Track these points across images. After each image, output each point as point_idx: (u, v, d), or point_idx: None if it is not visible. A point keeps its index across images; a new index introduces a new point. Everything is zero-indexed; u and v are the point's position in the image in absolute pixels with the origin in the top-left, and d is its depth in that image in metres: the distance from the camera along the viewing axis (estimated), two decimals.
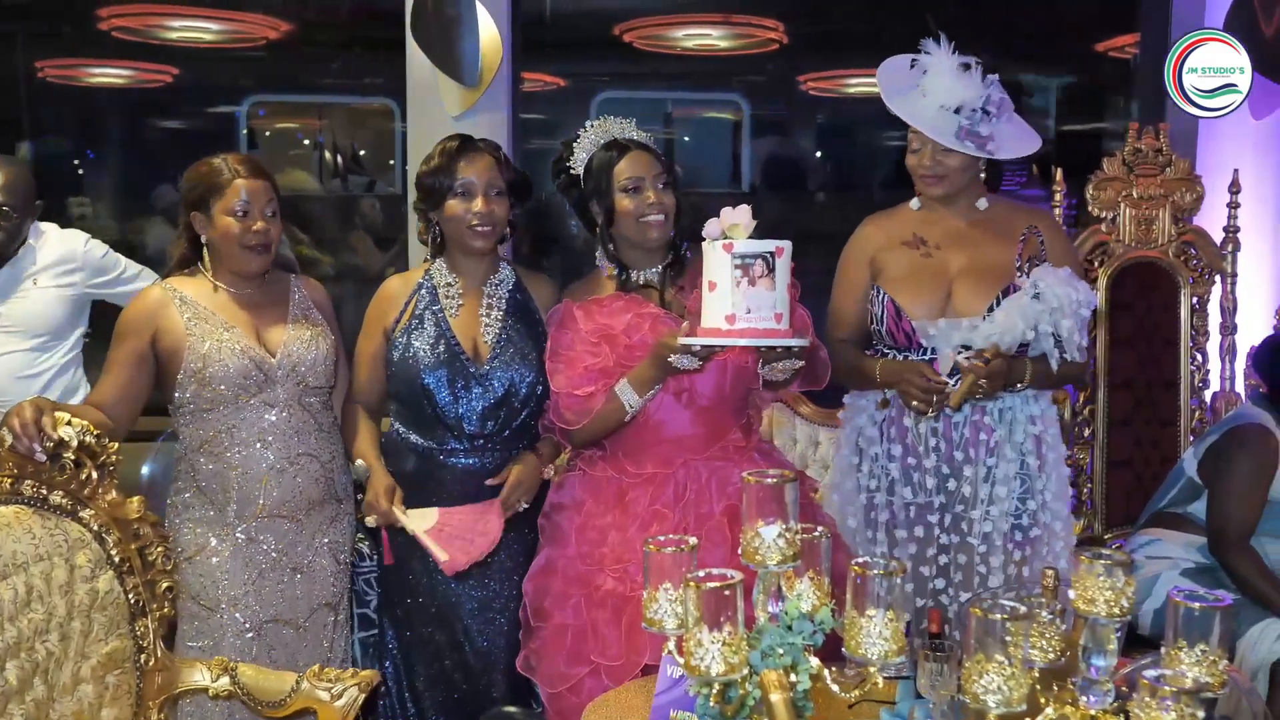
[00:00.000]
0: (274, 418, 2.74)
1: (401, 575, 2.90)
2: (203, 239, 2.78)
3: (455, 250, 2.91)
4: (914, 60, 2.82)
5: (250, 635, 2.72)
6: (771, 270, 2.36)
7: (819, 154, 6.23)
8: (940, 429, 2.80)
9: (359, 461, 2.85)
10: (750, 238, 2.38)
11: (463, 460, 2.86)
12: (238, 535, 2.73)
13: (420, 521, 2.79)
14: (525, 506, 2.86)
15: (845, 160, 6.22)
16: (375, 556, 2.97)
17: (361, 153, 6.33)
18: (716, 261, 2.36)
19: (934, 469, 2.81)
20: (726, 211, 2.42)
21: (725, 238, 2.38)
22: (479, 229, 2.83)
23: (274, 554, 2.76)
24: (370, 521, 2.82)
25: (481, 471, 2.86)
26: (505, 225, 2.90)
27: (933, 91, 2.74)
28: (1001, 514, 2.78)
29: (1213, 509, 3.23)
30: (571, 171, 2.86)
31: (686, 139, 6.35)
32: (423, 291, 2.91)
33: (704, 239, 2.44)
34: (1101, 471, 3.89)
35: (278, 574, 2.77)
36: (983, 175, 2.84)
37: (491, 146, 2.91)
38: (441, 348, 2.83)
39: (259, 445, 2.73)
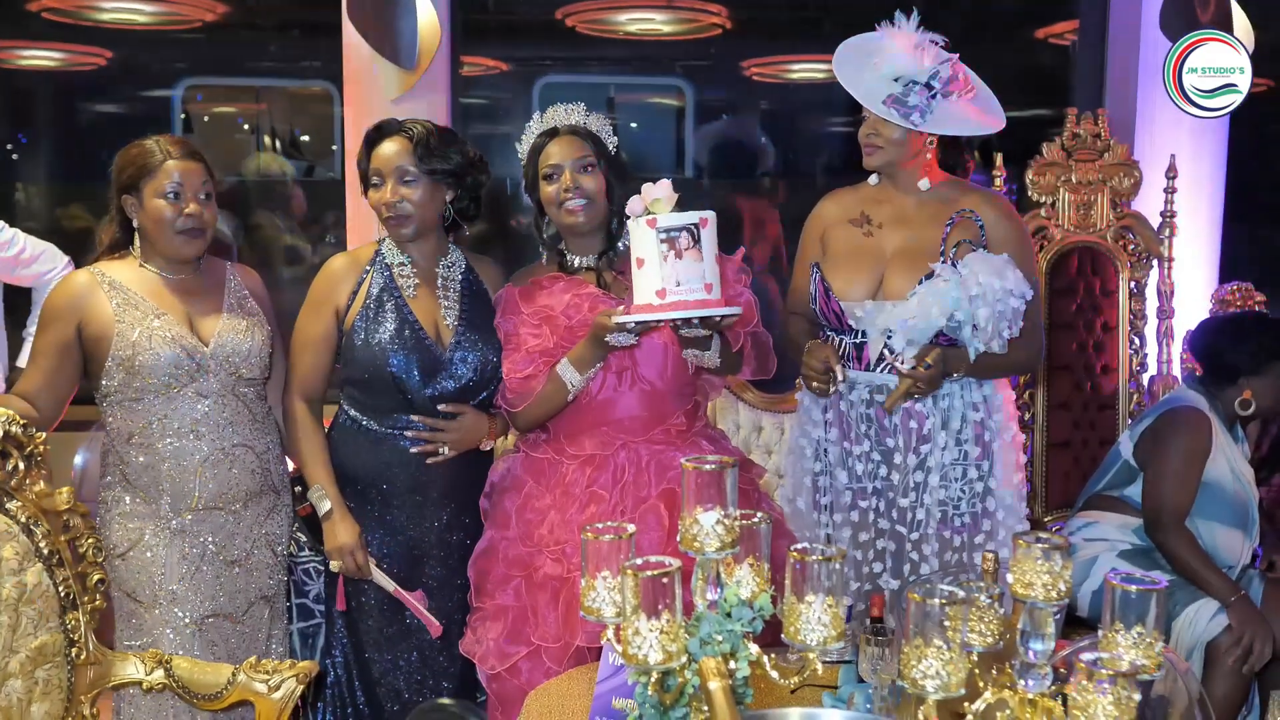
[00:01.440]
0: (206, 408, 2.68)
1: None
2: (134, 223, 2.71)
3: (391, 236, 2.87)
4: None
5: (190, 631, 2.67)
6: (698, 241, 2.36)
7: (763, 139, 6.23)
8: (873, 414, 2.79)
9: (319, 491, 2.80)
10: (674, 211, 2.38)
11: (421, 442, 2.84)
12: (172, 528, 2.68)
13: (390, 583, 2.82)
14: (446, 454, 2.83)
15: (789, 146, 6.23)
16: (315, 550, 2.95)
17: (303, 137, 6.24)
18: (642, 238, 2.37)
19: (866, 454, 2.81)
20: (647, 187, 2.42)
21: (648, 214, 2.38)
22: (389, 219, 2.78)
23: (211, 547, 2.71)
24: (335, 568, 2.80)
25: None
26: (429, 209, 2.81)
27: (880, 61, 2.72)
28: (935, 502, 2.77)
29: (1148, 491, 3.27)
30: (522, 163, 2.85)
31: (630, 124, 6.32)
32: (375, 272, 2.85)
33: (627, 217, 2.44)
34: (1042, 454, 3.93)
35: (215, 567, 2.72)
36: (929, 156, 2.80)
37: (408, 130, 2.81)
38: (406, 333, 2.79)
39: (192, 436, 2.67)
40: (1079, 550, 3.29)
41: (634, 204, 2.43)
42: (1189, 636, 3.08)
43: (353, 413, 2.90)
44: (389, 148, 2.78)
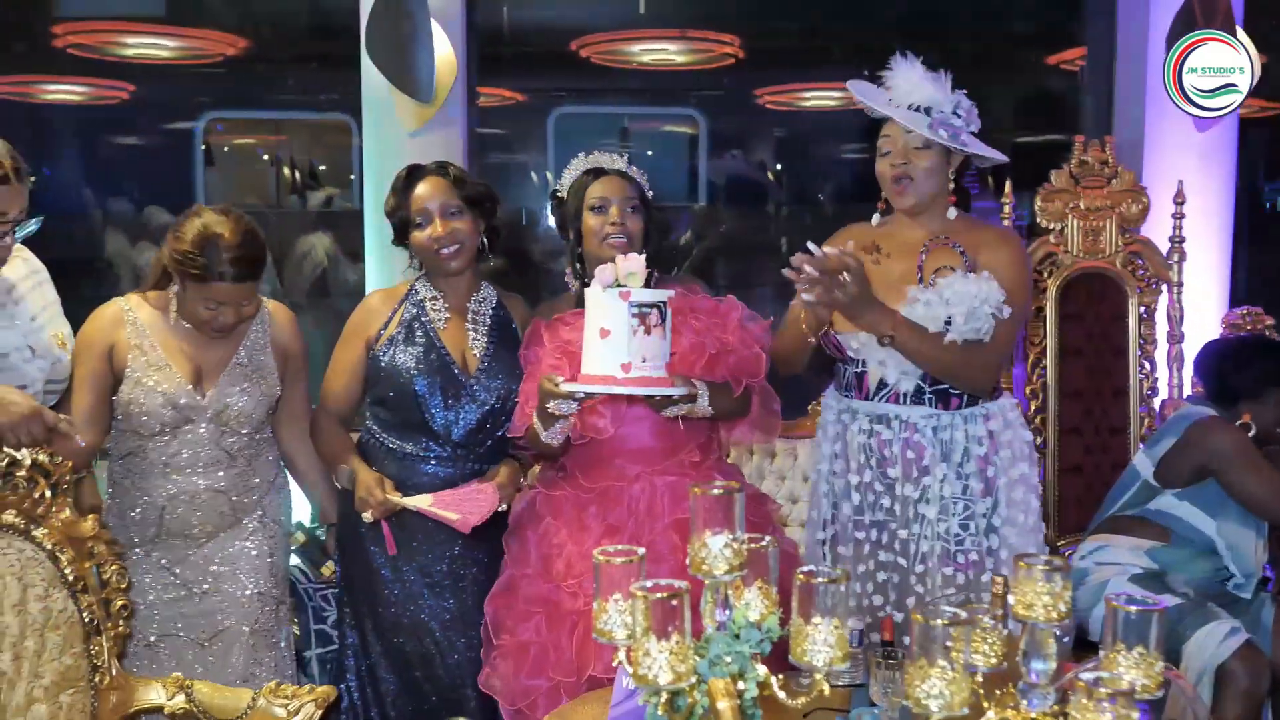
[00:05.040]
0: (187, 453, 2.77)
1: (373, 587, 2.92)
2: None
3: (435, 273, 2.95)
4: (881, 80, 2.84)
5: (152, 652, 2.77)
6: (664, 320, 2.40)
7: (777, 167, 6.28)
8: (874, 444, 2.81)
9: (342, 467, 2.89)
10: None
11: (441, 469, 2.90)
12: (137, 552, 2.78)
13: (417, 501, 2.84)
14: (505, 509, 2.89)
15: (802, 174, 6.27)
16: (328, 583, 3.00)
17: (321, 168, 6.32)
18: (612, 309, 2.38)
19: (867, 485, 2.82)
20: (621, 259, 2.44)
21: (620, 285, 2.40)
22: (444, 251, 2.86)
23: (176, 574, 2.80)
24: (368, 517, 2.83)
25: (457, 481, 2.89)
26: (475, 240, 2.91)
27: (901, 95, 2.76)
28: (935, 535, 2.76)
29: (1246, 500, 3.22)
30: (558, 194, 2.92)
31: (645, 153, 6.38)
32: (408, 304, 2.94)
33: (590, 284, 2.46)
34: (1053, 479, 3.94)
35: (182, 593, 2.80)
36: (950, 185, 2.81)
37: (440, 168, 2.93)
38: (433, 357, 2.87)
39: (167, 470, 2.77)
40: (1091, 574, 3.28)
41: (605, 273, 2.43)
42: (1199, 661, 3.06)
43: (377, 430, 2.96)
44: (428, 187, 2.88)
